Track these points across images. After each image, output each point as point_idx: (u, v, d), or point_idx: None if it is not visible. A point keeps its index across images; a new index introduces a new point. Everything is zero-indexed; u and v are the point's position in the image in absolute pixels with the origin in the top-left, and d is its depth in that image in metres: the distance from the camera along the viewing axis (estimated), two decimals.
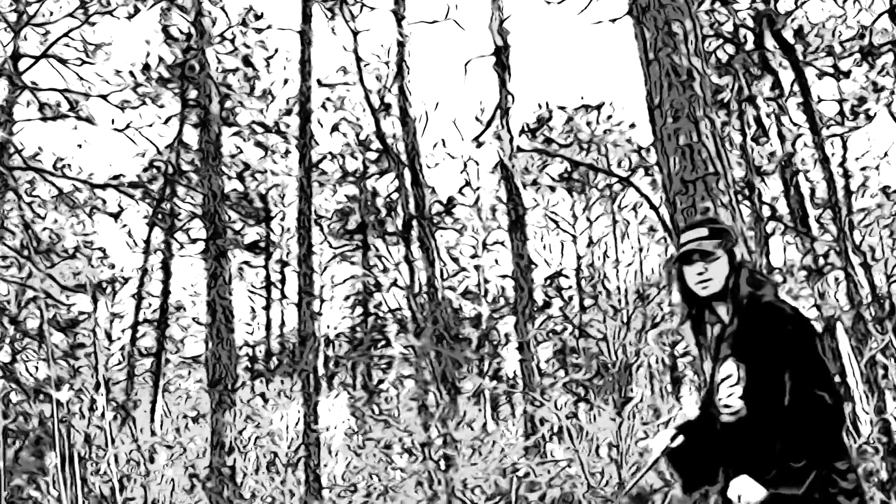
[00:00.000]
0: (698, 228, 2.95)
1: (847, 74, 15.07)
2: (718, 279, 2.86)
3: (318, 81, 18.23)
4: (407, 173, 14.24)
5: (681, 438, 2.99)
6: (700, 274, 2.87)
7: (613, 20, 8.53)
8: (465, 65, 14.29)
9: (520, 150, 15.31)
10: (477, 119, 16.61)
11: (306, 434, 12.79)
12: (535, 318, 14.86)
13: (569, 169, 22.17)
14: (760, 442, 2.70)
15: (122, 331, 21.27)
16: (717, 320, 2.95)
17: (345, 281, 23.52)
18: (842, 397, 2.66)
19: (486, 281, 21.61)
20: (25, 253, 14.52)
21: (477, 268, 21.54)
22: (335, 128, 19.96)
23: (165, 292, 19.64)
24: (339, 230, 22.13)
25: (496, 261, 22.06)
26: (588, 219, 23.81)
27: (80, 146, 25.27)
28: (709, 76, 6.14)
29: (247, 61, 19.46)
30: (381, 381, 22.60)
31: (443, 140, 24.58)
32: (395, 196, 17.11)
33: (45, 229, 18.06)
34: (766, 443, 2.67)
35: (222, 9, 16.74)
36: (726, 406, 2.81)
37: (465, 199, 20.93)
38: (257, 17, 18.56)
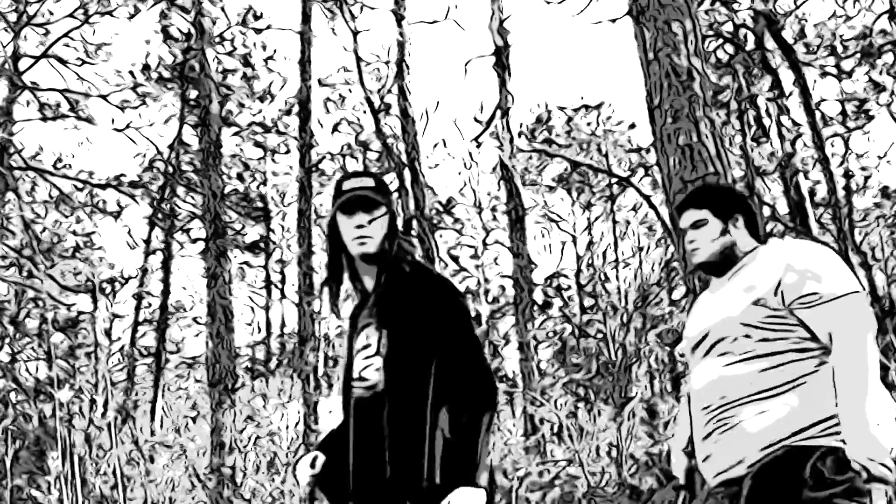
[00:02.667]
0: (364, 178, 2.53)
1: (848, 74, 15.08)
2: (377, 238, 2.45)
3: (319, 81, 18.25)
4: (407, 173, 14.25)
5: (321, 458, 2.50)
6: (360, 227, 2.45)
7: (613, 20, 8.52)
8: (465, 65, 14.30)
9: (519, 150, 15.31)
10: (477, 119, 16.60)
11: (306, 434, 12.79)
12: (535, 318, 14.86)
13: (568, 169, 22.17)
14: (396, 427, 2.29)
15: (123, 331, 21.27)
16: (361, 288, 2.55)
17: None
18: (494, 380, 2.31)
19: (487, 281, 21.61)
20: (25, 253, 14.52)
21: (477, 268, 21.54)
22: (335, 128, 19.95)
23: (165, 292, 19.64)
24: None
25: (496, 261, 22.07)
26: (588, 219, 23.82)
27: (80, 144, 25.24)
28: (708, 76, 6.14)
29: (246, 61, 19.46)
30: None
31: (443, 140, 24.59)
32: (394, 196, 17.10)
33: (45, 229, 18.06)
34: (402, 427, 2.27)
35: (222, 9, 16.76)
36: (361, 379, 2.41)
37: (465, 199, 20.93)
38: (257, 18, 18.56)
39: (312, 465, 2.51)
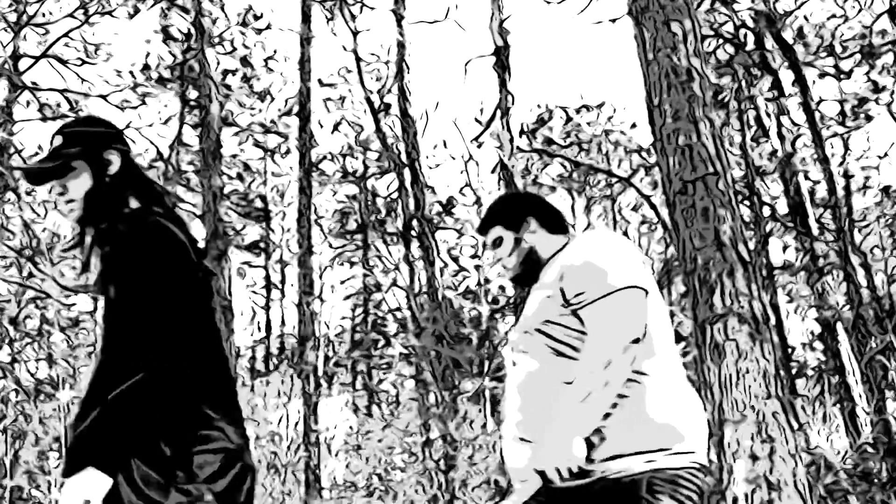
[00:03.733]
0: (56, 135, 2.24)
1: (848, 74, 15.08)
2: (77, 199, 2.19)
3: (319, 81, 18.25)
4: (407, 173, 14.25)
5: None
6: (61, 195, 2.20)
7: (613, 20, 8.54)
8: (465, 65, 14.28)
9: (520, 150, 15.32)
10: (477, 119, 16.60)
11: (306, 434, 12.79)
12: None
13: (569, 169, 22.18)
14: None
15: None
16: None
17: (345, 281, 23.53)
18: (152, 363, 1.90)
19: (487, 281, 21.61)
20: (25, 253, 14.52)
21: (477, 268, 21.54)
22: (335, 128, 19.96)
23: None
24: (339, 230, 22.14)
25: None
26: (588, 219, 23.82)
27: None
28: (708, 76, 6.14)
29: (246, 62, 19.46)
30: (381, 381, 22.60)
31: (444, 141, 24.59)
32: (395, 196, 17.14)
33: (45, 229, 18.06)
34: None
35: (222, 9, 16.75)
36: None
37: (465, 199, 20.94)
38: (257, 18, 18.57)
39: None
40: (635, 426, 2.23)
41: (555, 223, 2.61)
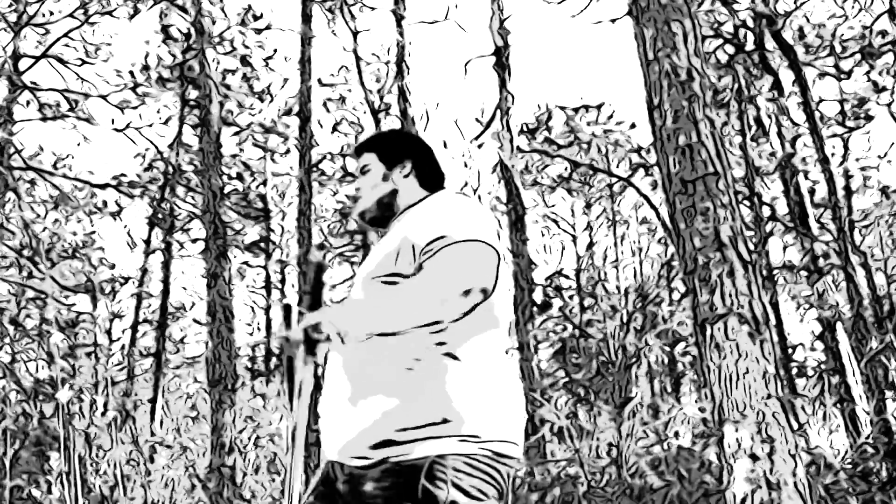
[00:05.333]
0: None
1: (848, 74, 15.08)
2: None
3: (319, 81, 18.25)
4: None
5: None
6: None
7: (613, 20, 8.54)
8: (465, 65, 14.29)
9: (520, 150, 15.31)
10: (477, 119, 16.60)
11: (307, 434, 12.78)
12: (535, 318, 14.86)
13: (568, 169, 22.18)
14: None
15: (122, 331, 21.26)
16: None
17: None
18: None
19: None
20: (25, 253, 14.52)
21: None
22: (335, 128, 19.96)
23: (165, 292, 19.64)
24: (339, 230, 22.14)
25: None
26: (588, 219, 23.82)
27: (79, 144, 25.25)
28: (708, 76, 6.14)
29: (246, 61, 19.46)
30: None
31: (444, 142, 24.57)
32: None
33: (44, 229, 18.07)
34: None
35: (222, 9, 16.76)
36: None
37: None
38: (257, 18, 18.57)
39: None
40: (431, 404, 2.04)
41: (429, 178, 2.43)
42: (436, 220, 2.13)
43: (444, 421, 2.02)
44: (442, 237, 2.07)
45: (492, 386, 2.11)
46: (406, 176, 2.41)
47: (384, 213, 2.40)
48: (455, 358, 2.08)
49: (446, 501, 1.98)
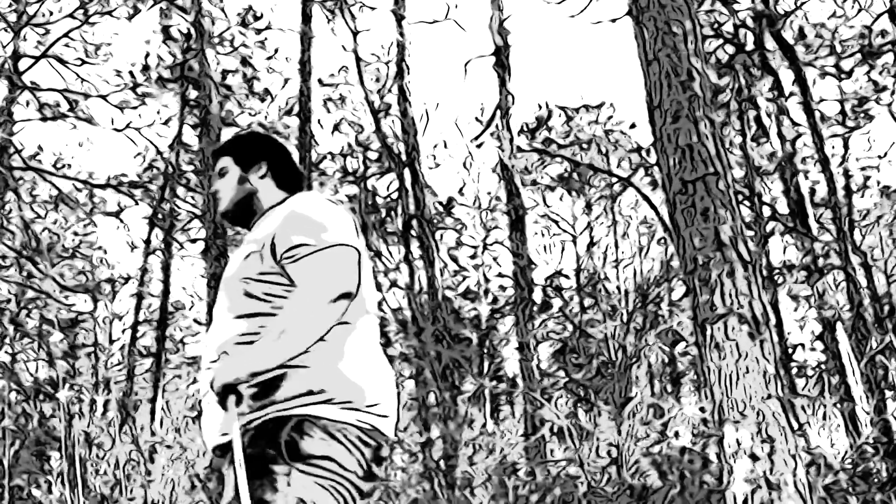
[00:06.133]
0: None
1: (848, 74, 15.08)
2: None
3: (319, 81, 18.25)
4: (407, 173, 14.25)
5: None
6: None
7: (613, 20, 8.53)
8: (465, 65, 14.29)
9: (519, 150, 15.32)
10: (477, 119, 16.61)
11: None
12: (535, 318, 14.86)
13: (568, 169, 22.17)
14: None
15: (122, 331, 21.27)
16: None
17: None
18: None
19: (487, 281, 21.61)
20: (25, 253, 14.52)
21: (477, 268, 21.54)
22: (335, 128, 19.96)
23: (165, 292, 19.63)
24: None
25: (496, 260, 22.07)
26: (588, 219, 23.82)
27: (80, 144, 25.24)
28: (708, 76, 6.14)
29: (246, 62, 19.46)
30: None
31: (444, 142, 24.59)
32: (395, 196, 17.14)
33: (44, 229, 18.07)
34: None
35: (222, 9, 16.76)
36: None
37: (465, 199, 20.94)
38: (257, 18, 18.57)
39: None
40: (314, 374, 2.13)
41: (286, 178, 2.49)
42: (296, 224, 2.20)
43: (320, 391, 2.12)
44: (303, 245, 2.15)
45: (362, 365, 2.20)
46: (262, 177, 2.47)
47: (244, 213, 2.47)
48: (323, 340, 2.14)
49: (305, 454, 2.07)
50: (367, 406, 2.16)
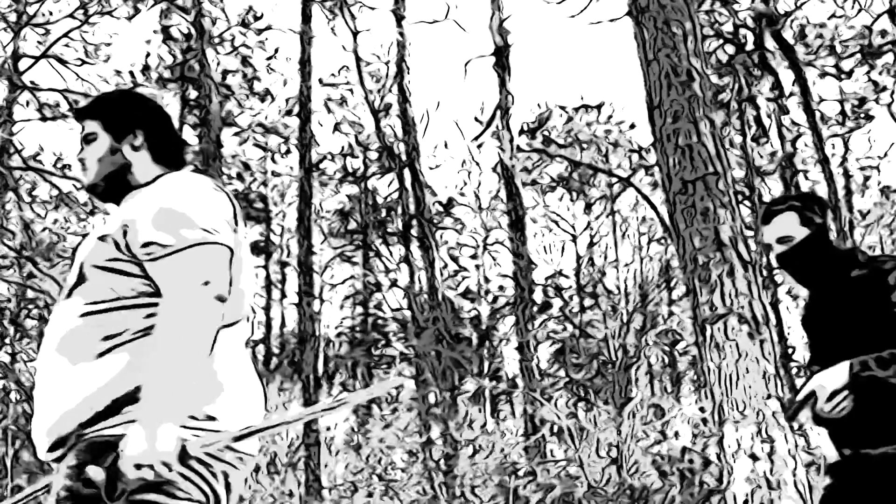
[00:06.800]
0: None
1: (848, 74, 15.09)
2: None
3: (319, 81, 18.26)
4: (407, 173, 14.26)
5: None
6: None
7: (613, 20, 8.54)
8: (465, 65, 14.30)
9: (519, 149, 15.33)
10: (477, 119, 16.61)
11: (306, 434, 12.79)
12: (535, 318, 14.86)
13: (569, 169, 22.18)
14: None
15: None
16: None
17: (345, 281, 23.54)
18: None
19: (487, 281, 21.62)
20: (25, 253, 14.52)
21: (477, 268, 21.55)
22: (336, 128, 19.96)
23: None
24: (339, 230, 22.15)
25: (496, 260, 22.09)
26: (588, 219, 23.83)
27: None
28: (708, 76, 6.14)
29: (246, 62, 19.47)
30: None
31: (445, 142, 24.61)
32: (395, 196, 17.15)
33: (45, 229, 18.07)
34: None
35: (222, 9, 16.76)
36: None
37: (465, 199, 20.95)
38: (257, 18, 18.58)
39: None
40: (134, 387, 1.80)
41: (164, 151, 2.12)
42: (155, 216, 1.88)
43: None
44: (157, 243, 1.85)
45: (224, 375, 1.91)
46: (137, 149, 2.09)
47: (115, 188, 2.08)
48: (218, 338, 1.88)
49: (133, 482, 1.73)
50: (226, 422, 1.86)
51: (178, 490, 1.79)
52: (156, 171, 2.08)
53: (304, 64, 14.43)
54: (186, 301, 1.79)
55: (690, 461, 7.63)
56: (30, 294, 15.46)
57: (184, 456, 1.74)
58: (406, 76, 14.51)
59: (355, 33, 14.81)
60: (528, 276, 13.92)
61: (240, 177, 22.78)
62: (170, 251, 1.84)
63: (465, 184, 20.98)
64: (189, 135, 18.87)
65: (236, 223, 1.96)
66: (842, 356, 2.51)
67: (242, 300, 2.00)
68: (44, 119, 16.23)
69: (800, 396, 2.53)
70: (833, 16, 14.46)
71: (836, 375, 2.48)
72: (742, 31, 12.48)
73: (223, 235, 1.89)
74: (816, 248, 2.66)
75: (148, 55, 18.65)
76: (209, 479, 1.84)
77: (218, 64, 16.40)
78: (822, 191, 13.88)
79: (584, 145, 20.99)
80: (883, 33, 14.07)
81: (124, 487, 1.73)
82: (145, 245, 1.86)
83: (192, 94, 17.80)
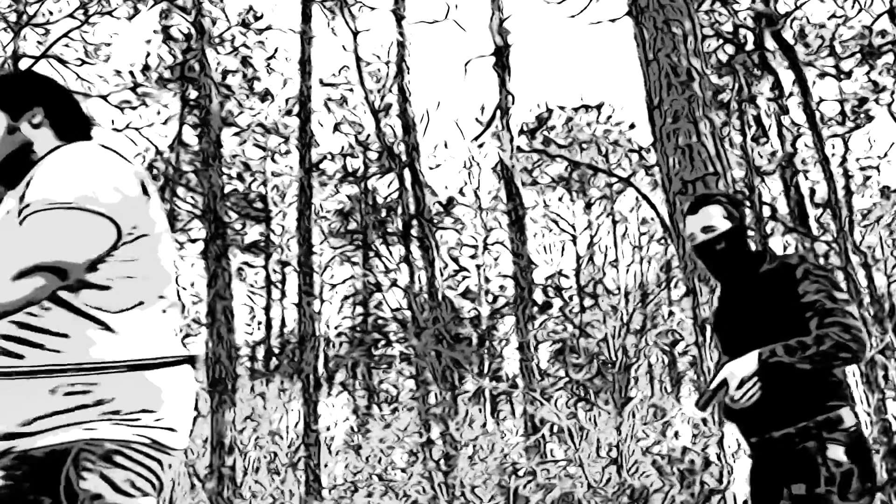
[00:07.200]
0: None
1: (848, 74, 15.09)
2: None
3: (319, 81, 18.26)
4: (407, 173, 14.26)
5: None
6: None
7: (613, 20, 8.54)
8: (465, 65, 14.30)
9: (520, 150, 15.33)
10: (477, 119, 16.61)
11: (306, 434, 12.80)
12: (535, 318, 14.86)
13: (569, 169, 22.19)
14: None
15: None
16: None
17: (345, 281, 23.54)
18: None
19: (487, 281, 21.62)
20: None
21: (477, 268, 21.54)
22: (336, 128, 19.97)
23: None
24: (339, 230, 22.15)
25: (496, 260, 22.08)
26: (588, 219, 23.83)
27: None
28: (708, 76, 6.14)
29: (246, 62, 19.47)
30: (381, 382, 22.61)
31: (445, 142, 24.62)
32: (395, 196, 17.15)
33: None
34: None
35: (222, 9, 16.76)
36: None
37: (465, 199, 20.95)
38: (257, 18, 18.58)
39: None
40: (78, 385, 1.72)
41: (68, 126, 2.01)
42: (39, 180, 1.79)
43: (97, 403, 1.72)
44: (30, 204, 1.75)
45: (175, 369, 1.84)
46: (38, 126, 1.98)
47: (18, 170, 1.96)
48: (109, 329, 1.78)
49: (90, 495, 1.65)
50: (156, 419, 1.77)
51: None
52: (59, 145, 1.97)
53: (304, 64, 14.44)
54: (11, 260, 1.67)
55: (690, 461, 7.63)
56: None
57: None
58: (406, 76, 14.51)
59: (355, 33, 14.81)
60: (528, 276, 13.92)
61: (240, 177, 22.78)
62: (33, 210, 1.73)
63: (466, 184, 20.98)
64: (189, 135, 18.89)
65: (143, 201, 1.84)
66: (752, 347, 2.65)
67: (161, 280, 1.88)
68: None
69: (712, 386, 2.66)
70: (833, 16, 14.47)
71: (746, 364, 2.63)
72: (742, 31, 12.48)
73: (113, 209, 1.76)
74: (735, 242, 2.87)
75: (148, 55, 18.65)
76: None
77: (218, 64, 16.39)
78: (822, 191, 13.90)
79: (584, 145, 20.99)
80: (883, 33, 14.07)
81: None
82: (21, 210, 1.76)
83: (192, 94, 17.79)
